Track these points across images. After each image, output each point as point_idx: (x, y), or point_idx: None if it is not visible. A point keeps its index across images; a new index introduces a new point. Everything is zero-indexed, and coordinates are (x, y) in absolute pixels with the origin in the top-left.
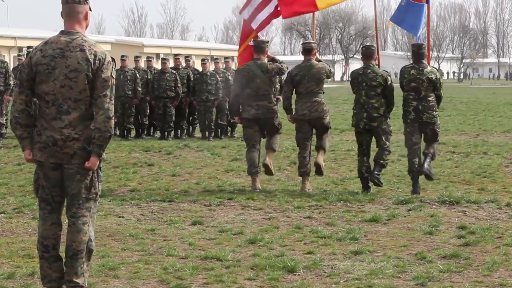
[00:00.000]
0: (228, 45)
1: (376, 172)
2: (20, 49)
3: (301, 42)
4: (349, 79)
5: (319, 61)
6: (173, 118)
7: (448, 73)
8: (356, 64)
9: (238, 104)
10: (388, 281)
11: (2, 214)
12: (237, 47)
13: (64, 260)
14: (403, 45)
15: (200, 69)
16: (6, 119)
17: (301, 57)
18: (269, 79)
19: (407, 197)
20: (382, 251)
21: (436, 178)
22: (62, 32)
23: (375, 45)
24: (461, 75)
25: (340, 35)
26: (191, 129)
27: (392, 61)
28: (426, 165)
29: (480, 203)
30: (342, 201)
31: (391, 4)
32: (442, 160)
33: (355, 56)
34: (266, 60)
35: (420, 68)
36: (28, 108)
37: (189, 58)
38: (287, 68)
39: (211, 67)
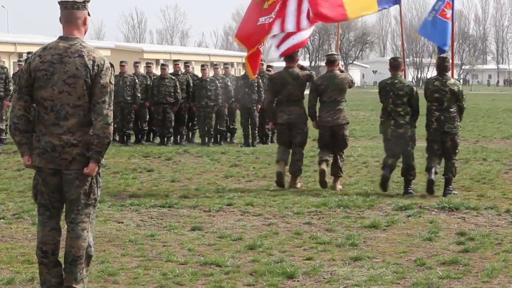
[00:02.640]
0: (227, 51)
1: (408, 189)
2: (20, 54)
3: (325, 54)
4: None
5: (342, 71)
6: (173, 124)
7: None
8: (356, 70)
9: (272, 110)
10: (388, 287)
11: (2, 220)
12: (236, 53)
13: (63, 266)
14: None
15: (200, 75)
16: (6, 125)
17: (301, 63)
18: (300, 86)
19: (407, 203)
20: (381, 257)
21: (435, 184)
22: (60, 38)
23: (401, 57)
24: (461, 81)
25: (339, 41)
26: (190, 135)
27: None
28: (449, 188)
29: (479, 209)
30: (341, 207)
31: (390, 10)
32: (442, 166)
33: (354, 62)
34: (297, 68)
35: (444, 80)
36: (27, 114)
37: (189, 64)
38: (315, 76)
39: (210, 73)
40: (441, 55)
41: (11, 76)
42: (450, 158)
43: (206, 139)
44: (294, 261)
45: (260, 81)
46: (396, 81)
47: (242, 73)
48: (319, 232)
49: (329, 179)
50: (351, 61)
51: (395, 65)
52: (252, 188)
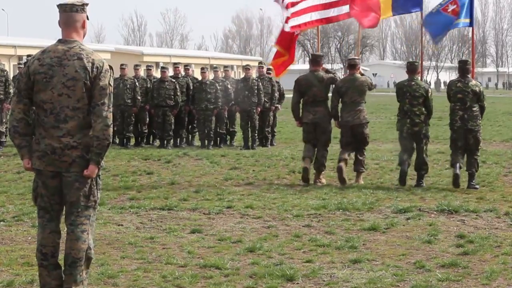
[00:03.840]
0: (227, 54)
1: (420, 182)
2: (20, 57)
3: (347, 58)
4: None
5: (362, 75)
6: (172, 126)
7: (445, 82)
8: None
9: (298, 110)
10: None
11: (2, 222)
12: (236, 56)
13: (63, 268)
14: (401, 54)
15: (200, 78)
16: (6, 128)
17: (300, 66)
18: (324, 88)
19: (406, 205)
20: (381, 259)
21: (434, 187)
22: (59, 41)
23: (418, 62)
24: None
25: (339, 44)
26: (190, 137)
27: (391, 70)
28: (472, 183)
29: (478, 212)
30: (341, 210)
31: None
32: (441, 169)
33: None
34: (321, 71)
35: (466, 82)
36: (26, 117)
37: (189, 67)
38: (339, 79)
39: (210, 76)
40: (463, 59)
41: (11, 79)
42: (473, 154)
43: (206, 142)
44: (293, 264)
45: (260, 84)
46: (413, 83)
47: (242, 76)
48: (318, 235)
49: (340, 177)
50: None
51: (411, 68)
52: (252, 191)
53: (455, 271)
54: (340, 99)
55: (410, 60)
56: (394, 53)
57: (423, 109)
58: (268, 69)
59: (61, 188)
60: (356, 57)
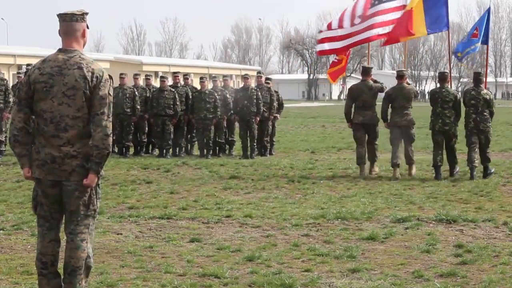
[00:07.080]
0: (226, 63)
1: (454, 172)
2: (19, 66)
3: (396, 70)
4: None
5: (408, 84)
6: (172, 136)
7: None
8: (354, 83)
9: (350, 114)
10: None
11: (1, 231)
12: (234, 65)
13: (62, 277)
14: (400, 64)
15: (199, 87)
16: (5, 137)
17: (299, 76)
18: (373, 95)
19: (404, 215)
20: (379, 269)
21: (433, 196)
22: (60, 50)
23: (447, 72)
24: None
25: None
26: (189, 146)
27: (389, 80)
28: (487, 172)
29: (477, 221)
30: (339, 219)
31: None
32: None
33: (352, 75)
34: (371, 81)
35: (479, 90)
36: (26, 126)
37: (188, 76)
38: (386, 88)
39: (209, 85)
40: (476, 71)
41: (11, 88)
42: (485, 151)
43: (205, 151)
44: (292, 273)
45: (259, 93)
46: (443, 90)
47: (241, 85)
48: (317, 244)
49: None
50: (349, 74)
51: (442, 77)
52: (251, 200)
53: (454, 281)
54: (390, 105)
55: (441, 70)
56: (392, 63)
57: (453, 111)
58: (267, 78)
59: (61, 197)
60: (403, 69)
